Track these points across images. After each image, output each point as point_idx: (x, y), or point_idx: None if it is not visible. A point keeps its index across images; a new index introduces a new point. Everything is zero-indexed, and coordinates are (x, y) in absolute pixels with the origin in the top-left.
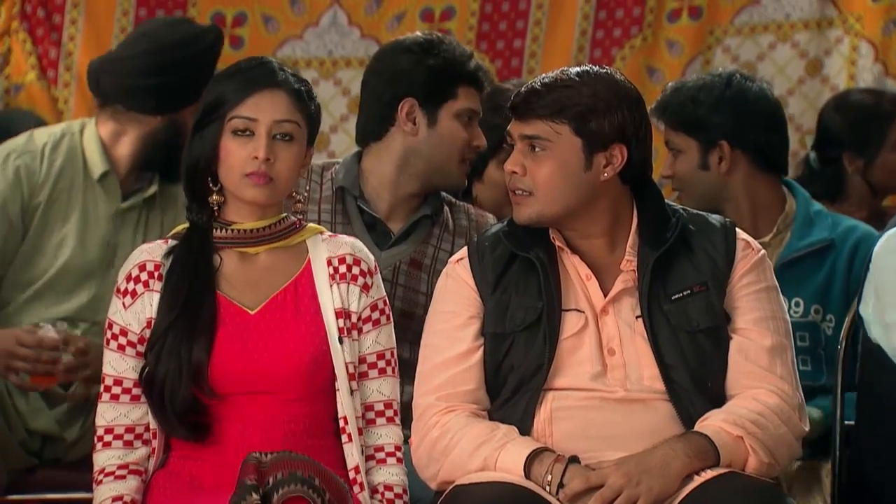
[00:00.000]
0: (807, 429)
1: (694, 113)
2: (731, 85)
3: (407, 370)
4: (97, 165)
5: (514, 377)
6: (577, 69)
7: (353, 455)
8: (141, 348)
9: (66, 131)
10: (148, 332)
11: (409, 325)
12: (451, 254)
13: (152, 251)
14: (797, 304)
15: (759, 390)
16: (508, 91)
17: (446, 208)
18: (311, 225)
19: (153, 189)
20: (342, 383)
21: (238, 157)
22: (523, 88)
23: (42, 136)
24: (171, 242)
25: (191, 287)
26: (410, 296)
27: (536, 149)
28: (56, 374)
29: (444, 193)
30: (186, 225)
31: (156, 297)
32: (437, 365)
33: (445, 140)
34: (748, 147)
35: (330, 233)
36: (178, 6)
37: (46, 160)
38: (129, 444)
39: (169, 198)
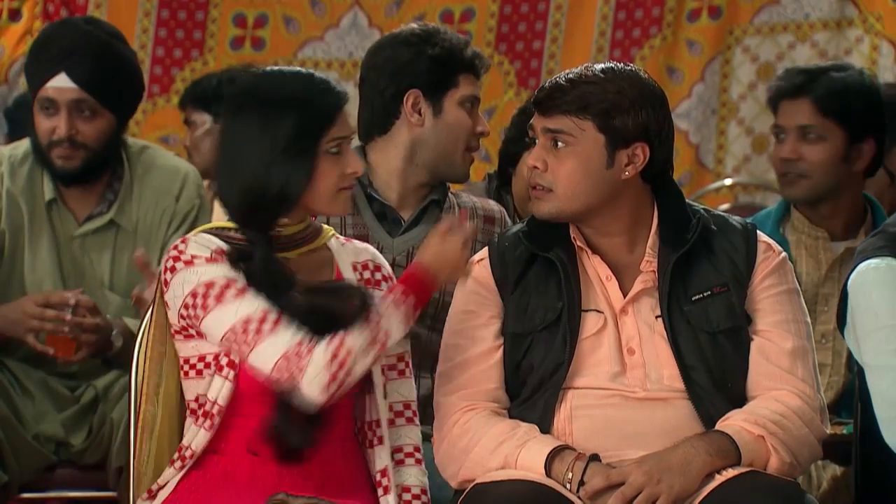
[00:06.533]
0: (828, 431)
1: (854, 106)
2: (867, 81)
3: (425, 358)
4: (48, 191)
5: (534, 377)
6: (602, 66)
7: (381, 458)
8: None
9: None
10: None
11: (425, 309)
12: None
13: (210, 244)
14: None
15: (781, 391)
16: None
17: (450, 195)
18: (324, 226)
19: (111, 214)
20: (378, 388)
21: (333, 175)
22: (547, 83)
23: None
24: (227, 246)
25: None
26: None
27: (559, 143)
28: (67, 332)
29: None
30: (226, 224)
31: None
32: (457, 364)
33: (451, 128)
34: (884, 145)
35: (343, 237)
36: (199, 8)
37: (4, 183)
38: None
39: (140, 222)
